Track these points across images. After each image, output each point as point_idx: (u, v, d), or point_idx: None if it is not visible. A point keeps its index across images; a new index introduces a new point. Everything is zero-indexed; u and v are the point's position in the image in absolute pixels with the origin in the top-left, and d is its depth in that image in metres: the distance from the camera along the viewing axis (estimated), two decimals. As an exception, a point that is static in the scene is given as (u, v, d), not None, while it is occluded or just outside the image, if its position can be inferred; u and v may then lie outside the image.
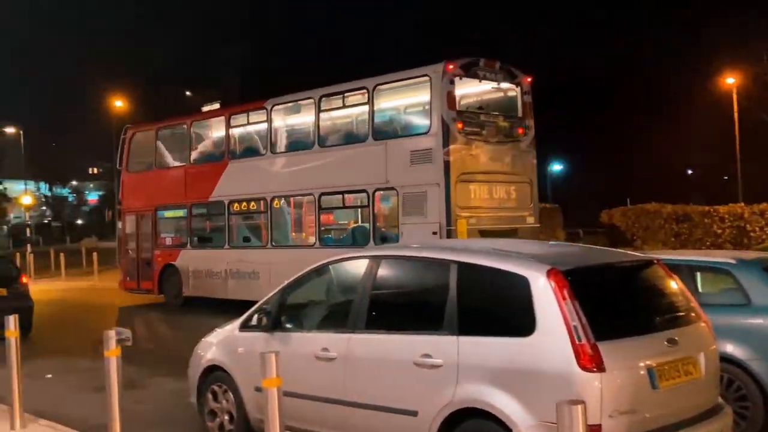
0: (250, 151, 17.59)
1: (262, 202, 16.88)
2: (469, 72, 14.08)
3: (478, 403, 4.68)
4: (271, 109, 16.81)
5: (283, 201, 16.72)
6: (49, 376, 10.49)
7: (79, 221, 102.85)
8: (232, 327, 6.79)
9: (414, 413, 5.05)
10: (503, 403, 4.54)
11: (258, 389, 6.00)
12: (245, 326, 6.57)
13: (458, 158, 13.38)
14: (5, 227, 75.37)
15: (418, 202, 13.64)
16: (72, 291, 25.03)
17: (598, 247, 6.45)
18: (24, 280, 15.22)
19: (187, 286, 18.44)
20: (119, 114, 43.59)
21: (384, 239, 14.28)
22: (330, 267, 6.35)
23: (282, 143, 16.95)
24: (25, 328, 12.23)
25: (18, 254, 32.39)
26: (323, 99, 15.69)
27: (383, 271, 5.71)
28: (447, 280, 5.11)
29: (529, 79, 14.88)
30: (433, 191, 13.42)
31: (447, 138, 13.31)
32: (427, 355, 5.00)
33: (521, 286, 4.71)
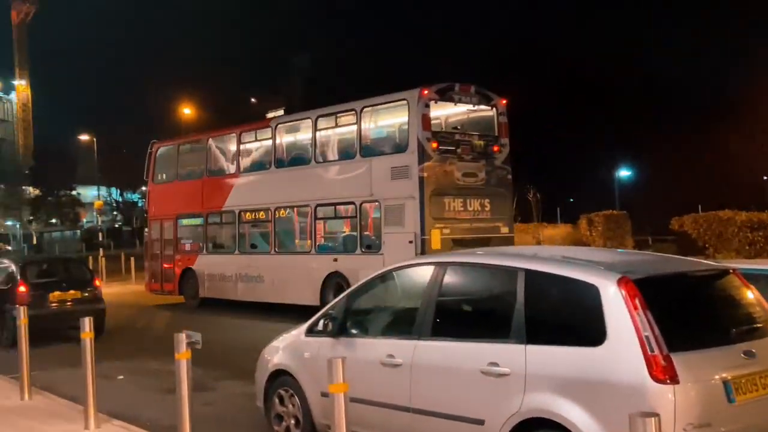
0: (257, 165, 19.32)
1: (268, 212, 18.65)
2: (444, 96, 15.57)
3: (547, 413, 4.62)
4: (275, 128, 18.65)
5: (285, 211, 18.45)
6: (121, 377, 10.80)
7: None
8: (298, 332, 6.86)
9: (480, 422, 5.02)
10: (572, 414, 4.47)
11: (324, 394, 6.04)
12: (311, 331, 6.63)
13: (432, 174, 14.87)
14: (78, 231, 77.91)
15: (397, 214, 15.12)
16: (142, 294, 25.63)
17: (670, 255, 6.30)
18: (97, 283, 15.69)
19: (203, 288, 20.23)
20: (187, 121, 44.69)
21: (369, 247, 15.87)
22: (395, 273, 6.36)
23: (284, 158, 18.68)
24: (97, 330, 12.54)
25: (90, 258, 33.42)
26: (319, 119, 17.36)
27: (449, 278, 5.70)
28: (514, 287, 5.06)
29: (504, 101, 16.27)
30: (409, 204, 14.88)
31: (422, 156, 14.80)
32: (494, 364, 4.97)
33: (591, 294, 4.63)
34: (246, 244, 19.25)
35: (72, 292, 14.87)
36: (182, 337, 6.20)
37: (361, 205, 15.99)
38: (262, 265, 18.29)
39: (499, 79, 15.99)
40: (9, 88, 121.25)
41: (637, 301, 4.45)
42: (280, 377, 6.83)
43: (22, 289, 14.40)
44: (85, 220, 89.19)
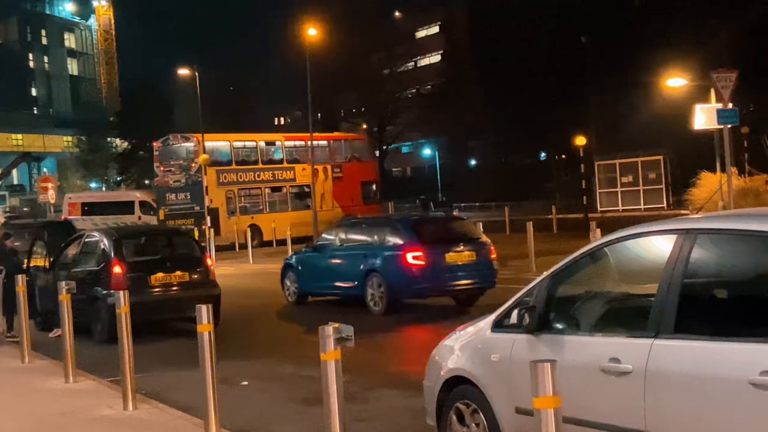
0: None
1: None
2: (165, 143, 45.57)
3: None
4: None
5: None
6: (246, 383, 11.24)
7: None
8: (483, 325, 6.84)
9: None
10: None
11: (521, 410, 6.04)
12: (500, 325, 6.60)
13: (160, 182, 44.67)
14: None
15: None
16: (261, 276, 26.66)
17: None
18: (209, 261, 16.38)
19: None
20: (314, 44, 45.67)
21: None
22: (613, 247, 6.17)
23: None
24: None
25: (196, 231, 35.07)
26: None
27: (701, 252, 5.46)
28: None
29: (197, 137, 41.37)
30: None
31: (155, 174, 46.00)
32: (775, 373, 4.74)
33: None
34: None
35: (178, 273, 15.62)
36: (329, 331, 6.25)
37: None
38: None
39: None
40: (88, 12, 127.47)
41: None
42: (458, 387, 6.86)
43: (117, 269, 15.24)
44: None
